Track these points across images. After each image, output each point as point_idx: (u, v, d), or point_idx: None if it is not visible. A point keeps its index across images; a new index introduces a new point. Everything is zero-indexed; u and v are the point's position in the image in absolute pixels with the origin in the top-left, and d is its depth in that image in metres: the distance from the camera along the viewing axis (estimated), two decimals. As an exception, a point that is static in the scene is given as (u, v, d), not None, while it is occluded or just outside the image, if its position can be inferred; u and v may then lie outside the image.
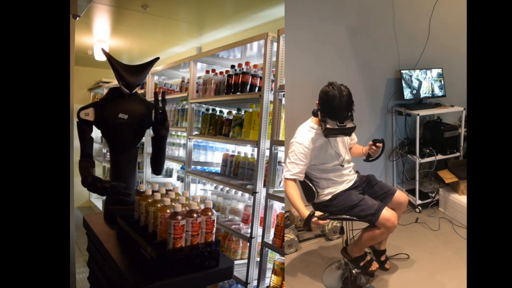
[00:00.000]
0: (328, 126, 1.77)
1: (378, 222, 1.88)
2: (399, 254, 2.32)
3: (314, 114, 1.88)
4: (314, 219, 1.67)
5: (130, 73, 2.00)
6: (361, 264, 2.07)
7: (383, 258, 2.19)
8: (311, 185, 1.96)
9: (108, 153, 4.49)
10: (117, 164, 2.10)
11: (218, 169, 3.01)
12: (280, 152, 2.26)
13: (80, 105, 2.01)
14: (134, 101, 2.07)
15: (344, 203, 1.94)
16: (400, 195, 2.04)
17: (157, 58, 2.15)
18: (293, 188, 1.84)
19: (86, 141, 1.99)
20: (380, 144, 1.93)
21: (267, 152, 2.26)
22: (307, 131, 1.91)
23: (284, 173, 1.88)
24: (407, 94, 2.96)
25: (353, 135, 2.07)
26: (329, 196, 1.97)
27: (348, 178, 2.05)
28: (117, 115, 2.01)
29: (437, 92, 3.08)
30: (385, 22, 2.89)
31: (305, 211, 1.73)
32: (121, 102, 2.03)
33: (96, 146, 6.51)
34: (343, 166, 2.01)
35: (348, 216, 1.95)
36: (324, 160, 1.95)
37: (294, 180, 1.87)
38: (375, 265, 2.09)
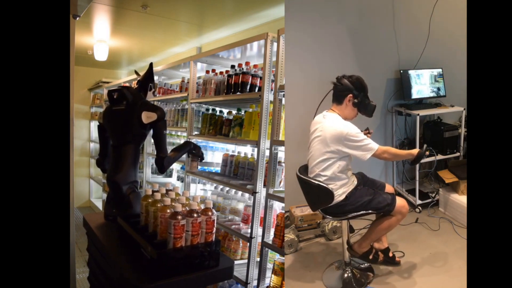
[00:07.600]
0: (372, 102, 2.02)
1: (395, 210, 1.99)
2: (395, 252, 2.31)
3: (357, 103, 2.00)
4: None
5: None
6: (371, 257, 2.13)
7: (391, 254, 2.21)
8: (328, 187, 1.95)
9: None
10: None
11: (218, 169, 3.01)
12: (280, 152, 2.26)
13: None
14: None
15: (361, 199, 2.00)
16: (389, 187, 2.21)
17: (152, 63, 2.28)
18: (387, 148, 1.97)
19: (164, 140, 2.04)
20: (372, 131, 2.20)
21: (267, 152, 2.26)
22: (341, 120, 1.98)
23: (370, 148, 1.90)
24: (415, 93, 2.97)
25: None
26: (343, 196, 1.99)
27: (353, 176, 2.11)
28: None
29: (437, 92, 3.09)
30: (385, 22, 2.89)
31: (413, 150, 1.99)
32: None
33: (96, 146, 6.54)
34: None
35: (364, 211, 2.01)
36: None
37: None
38: (381, 255, 2.16)
